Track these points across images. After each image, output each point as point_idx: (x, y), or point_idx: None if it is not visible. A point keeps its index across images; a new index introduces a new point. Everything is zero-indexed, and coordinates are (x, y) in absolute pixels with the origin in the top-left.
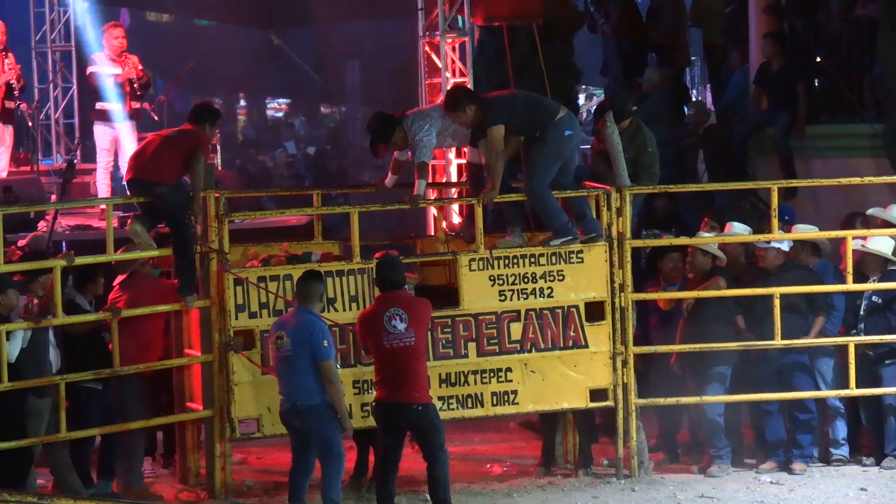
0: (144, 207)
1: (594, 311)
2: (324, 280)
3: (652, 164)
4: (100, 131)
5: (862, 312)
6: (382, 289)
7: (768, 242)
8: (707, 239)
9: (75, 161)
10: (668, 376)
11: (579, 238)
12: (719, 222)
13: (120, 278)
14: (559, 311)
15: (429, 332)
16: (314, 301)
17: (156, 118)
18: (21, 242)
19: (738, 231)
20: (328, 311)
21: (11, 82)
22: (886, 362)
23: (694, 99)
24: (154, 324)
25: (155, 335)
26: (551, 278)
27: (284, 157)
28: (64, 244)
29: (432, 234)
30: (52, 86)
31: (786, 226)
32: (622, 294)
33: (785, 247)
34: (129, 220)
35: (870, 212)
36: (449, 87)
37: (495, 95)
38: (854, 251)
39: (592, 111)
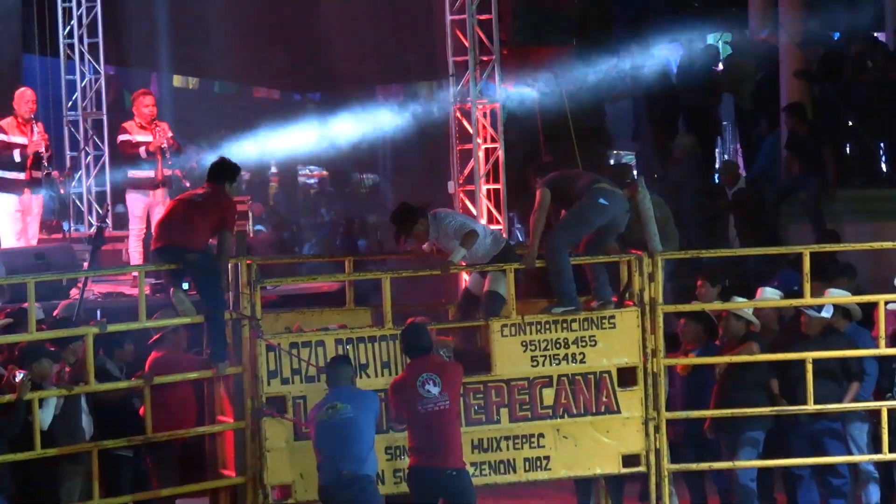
0: (170, 275)
1: (626, 376)
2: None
3: None
4: (132, 198)
5: None
6: (411, 355)
7: (819, 309)
8: (740, 304)
9: (105, 228)
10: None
11: (581, 309)
12: (713, 284)
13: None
14: (591, 376)
15: (461, 398)
16: (350, 382)
17: (187, 185)
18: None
19: (770, 296)
20: (360, 378)
21: (40, 151)
22: None
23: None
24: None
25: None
26: (583, 344)
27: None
28: (98, 312)
29: None
30: (83, 153)
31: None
32: (654, 359)
33: (827, 314)
34: (172, 290)
35: None
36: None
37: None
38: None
39: None
